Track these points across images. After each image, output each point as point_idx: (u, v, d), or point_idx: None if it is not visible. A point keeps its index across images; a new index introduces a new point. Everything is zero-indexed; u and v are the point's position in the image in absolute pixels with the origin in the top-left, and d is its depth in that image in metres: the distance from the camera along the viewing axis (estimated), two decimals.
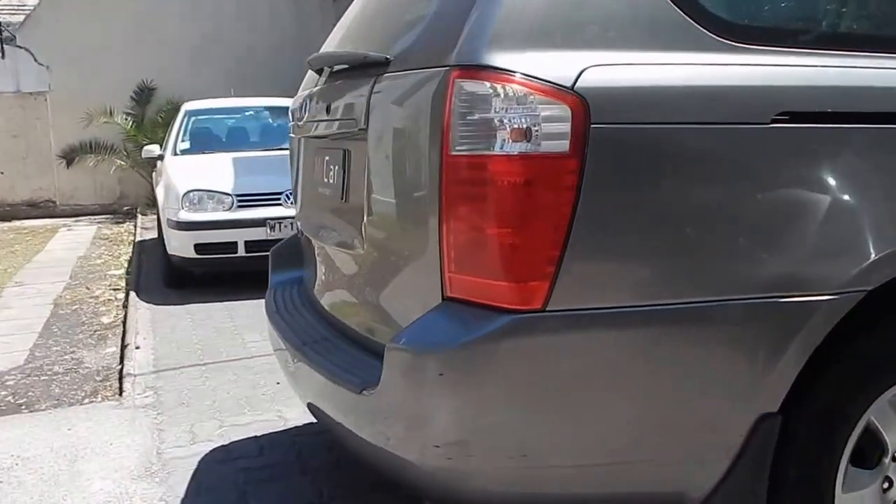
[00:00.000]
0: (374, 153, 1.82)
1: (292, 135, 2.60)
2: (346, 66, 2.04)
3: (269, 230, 5.78)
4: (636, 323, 1.50)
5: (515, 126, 1.46)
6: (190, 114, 7.55)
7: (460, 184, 1.52)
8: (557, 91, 1.46)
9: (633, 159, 1.48)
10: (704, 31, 1.54)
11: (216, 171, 6.31)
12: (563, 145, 1.45)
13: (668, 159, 1.50)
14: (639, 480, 1.59)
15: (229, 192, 5.95)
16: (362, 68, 1.90)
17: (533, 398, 1.51)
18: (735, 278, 1.52)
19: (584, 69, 1.48)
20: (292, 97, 2.50)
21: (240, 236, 5.81)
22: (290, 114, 2.63)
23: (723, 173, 1.52)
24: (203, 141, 7.24)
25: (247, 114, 7.63)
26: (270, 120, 7.44)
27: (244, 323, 5.02)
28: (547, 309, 1.46)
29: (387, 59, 1.77)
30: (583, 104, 1.45)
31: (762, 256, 1.52)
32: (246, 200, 5.93)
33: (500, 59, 1.49)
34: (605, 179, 1.46)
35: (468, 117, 1.50)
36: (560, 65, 1.48)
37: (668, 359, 1.52)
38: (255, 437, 3.15)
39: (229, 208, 5.92)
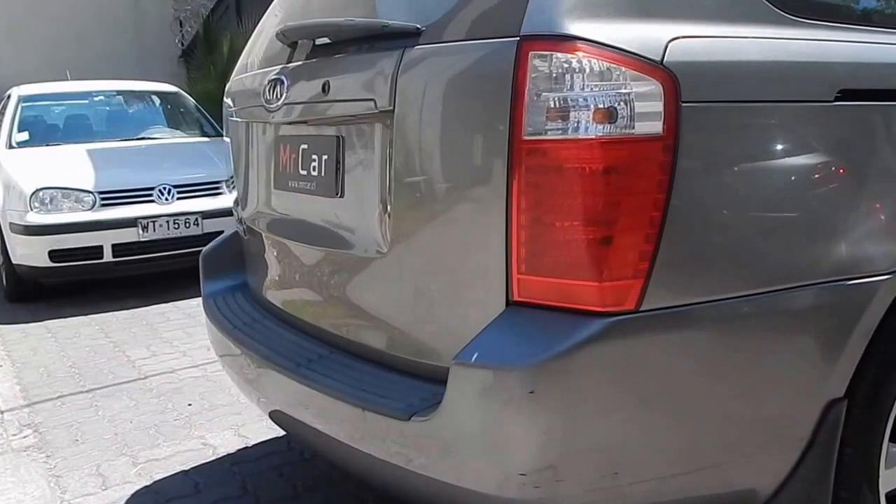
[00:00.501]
0: (406, 138, 1.50)
1: (238, 119, 2.19)
2: (341, 39, 1.68)
3: (141, 231, 5.14)
4: (728, 316, 1.38)
5: (603, 105, 1.28)
6: (24, 100, 6.51)
7: (536, 172, 1.32)
8: (649, 66, 1.30)
9: (719, 141, 1.36)
10: (771, 5, 1.46)
11: (70, 165, 5.53)
12: (657, 126, 1.29)
13: (748, 140, 1.39)
14: (714, 483, 1.48)
15: (90, 189, 5.22)
16: (374, 40, 1.57)
17: (629, 409, 1.35)
18: (811, 262, 1.45)
19: (670, 41, 1.32)
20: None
21: (105, 239, 5.12)
22: (232, 97, 2.22)
23: (796, 152, 1.45)
24: (46, 131, 6.33)
25: (96, 99, 6.77)
26: (127, 106, 6.66)
27: (123, 338, 4.42)
28: (641, 309, 1.30)
29: (417, 28, 1.46)
30: (673, 80, 1.29)
31: (831, 238, 1.46)
32: (111, 198, 5.23)
33: (581, 28, 1.28)
34: (695, 163, 1.32)
35: (546, 96, 1.30)
36: (644, 37, 1.32)
37: (754, 351, 1.43)
38: (184, 471, 2.69)
39: (91, 208, 5.19)
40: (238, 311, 2.17)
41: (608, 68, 1.28)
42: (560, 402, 1.29)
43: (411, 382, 1.53)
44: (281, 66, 1.86)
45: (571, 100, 1.28)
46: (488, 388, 1.32)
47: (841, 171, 1.48)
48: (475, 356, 1.33)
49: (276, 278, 2.08)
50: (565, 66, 1.28)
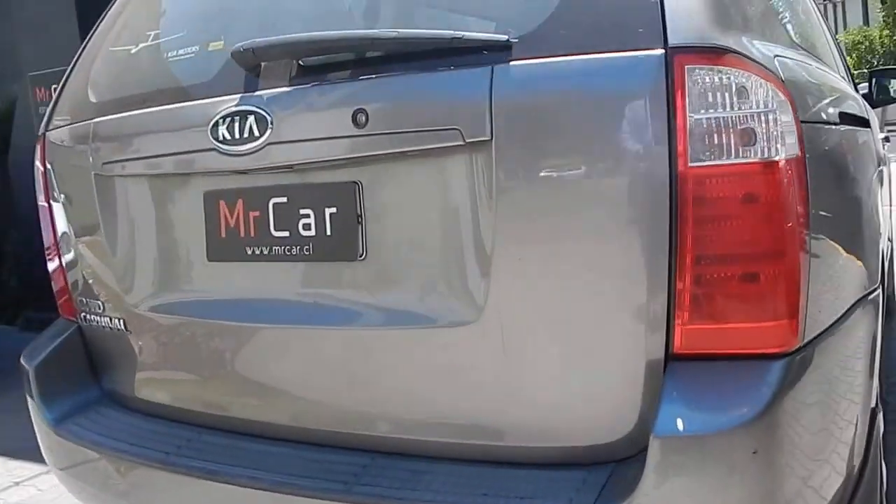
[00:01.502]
0: (514, 173, 1.22)
1: (110, 175, 1.64)
2: (374, 57, 1.32)
3: None
4: (850, 326, 1.38)
5: (769, 124, 1.15)
6: None
7: (708, 205, 1.13)
8: (781, 83, 1.20)
9: (821, 160, 1.33)
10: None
11: None
12: (796, 148, 1.18)
13: (831, 158, 1.44)
14: None
15: None
16: (432, 56, 1.26)
17: (813, 448, 1.22)
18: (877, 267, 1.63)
19: (774, 58, 1.27)
20: None
21: None
22: (93, 147, 1.65)
23: (853, 172, 1.58)
24: None
25: None
26: None
27: None
28: (806, 342, 1.19)
29: (508, 41, 1.20)
30: (792, 99, 1.21)
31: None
32: None
33: (731, 41, 1.17)
34: (814, 185, 1.22)
35: (710, 116, 1.13)
36: (764, 52, 1.25)
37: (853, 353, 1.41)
38: None
39: None
40: (148, 433, 1.62)
41: (765, 85, 1.16)
42: (777, 454, 1.13)
43: (537, 473, 1.24)
44: (243, 96, 1.40)
45: (740, 120, 1.14)
46: (705, 458, 1.12)
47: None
48: (681, 424, 1.11)
49: (218, 376, 1.58)
50: (732, 82, 1.14)
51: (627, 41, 1.17)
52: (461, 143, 1.24)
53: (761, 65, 1.18)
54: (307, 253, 1.41)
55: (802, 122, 1.21)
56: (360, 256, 1.36)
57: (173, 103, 1.53)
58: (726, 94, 1.14)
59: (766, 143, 1.14)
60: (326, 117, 1.34)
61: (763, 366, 1.15)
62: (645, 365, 1.19)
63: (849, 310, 1.38)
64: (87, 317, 1.79)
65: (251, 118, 1.37)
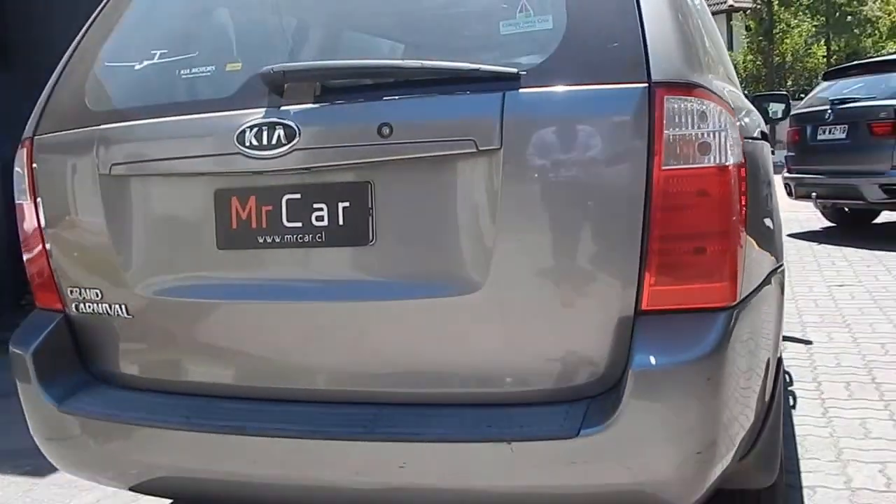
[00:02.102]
0: (519, 174, 1.56)
1: (124, 175, 1.82)
2: (396, 82, 1.63)
3: None
4: (767, 291, 1.78)
5: (721, 139, 1.55)
6: None
7: (675, 197, 1.53)
8: (731, 108, 1.62)
9: (751, 166, 1.71)
10: None
11: None
12: (739, 157, 1.59)
13: (757, 163, 1.85)
14: None
15: None
16: (448, 83, 1.59)
17: (744, 379, 1.61)
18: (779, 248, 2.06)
19: (724, 89, 1.74)
20: None
21: None
22: (104, 151, 1.82)
23: (765, 172, 2.03)
24: None
25: None
26: None
27: None
28: (741, 299, 1.58)
29: (517, 73, 1.56)
30: (737, 121, 1.64)
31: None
32: None
33: (696, 77, 1.56)
34: (747, 184, 1.63)
35: (680, 132, 1.52)
36: (717, 85, 1.68)
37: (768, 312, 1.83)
38: None
39: None
40: (157, 405, 1.82)
41: (720, 110, 1.55)
42: (722, 382, 1.51)
43: (528, 410, 1.58)
44: (268, 109, 1.65)
45: (705, 132, 1.52)
46: (675, 386, 1.49)
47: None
48: (653, 361, 1.48)
49: (229, 349, 1.81)
50: (693, 108, 1.52)
51: (621, 75, 1.54)
52: (474, 150, 1.56)
53: (716, 95, 1.57)
54: (319, 240, 1.68)
55: (745, 138, 1.64)
56: (371, 242, 1.66)
57: (191, 114, 1.75)
58: (692, 118, 1.52)
59: (718, 153, 1.53)
60: (352, 129, 1.62)
61: (712, 316, 1.52)
62: (617, 320, 1.53)
63: (766, 278, 1.76)
64: (79, 305, 1.94)
65: (279, 129, 1.63)
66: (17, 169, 2.02)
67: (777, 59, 24.04)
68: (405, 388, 1.67)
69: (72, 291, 1.95)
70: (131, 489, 2.01)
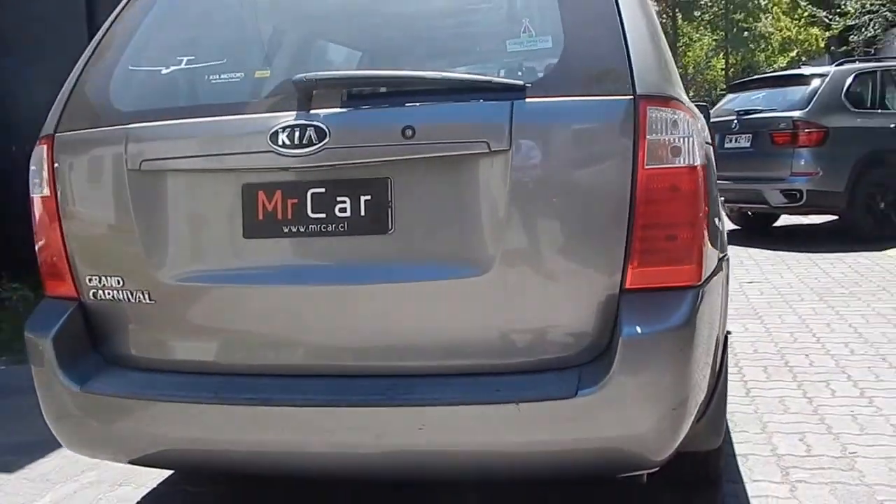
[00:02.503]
0: (525, 171, 1.81)
1: (155, 170, 1.97)
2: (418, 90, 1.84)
3: None
4: (719, 275, 2.05)
5: (689, 144, 1.84)
6: None
7: (657, 192, 1.80)
8: (696, 118, 1.92)
9: (709, 165, 1.98)
10: None
11: None
12: (704, 158, 1.89)
13: (710, 164, 2.05)
14: None
15: None
16: (464, 92, 1.83)
17: (705, 348, 1.89)
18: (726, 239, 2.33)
19: (689, 101, 2.06)
20: None
21: None
22: (138, 148, 1.97)
23: (715, 171, 2.25)
24: None
25: None
26: None
27: None
28: (704, 280, 1.87)
29: (524, 84, 1.80)
30: (700, 127, 1.95)
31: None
32: None
33: (670, 90, 1.84)
34: (707, 181, 1.90)
35: (660, 137, 1.80)
36: (684, 97, 1.97)
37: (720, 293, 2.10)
38: None
39: None
40: (179, 383, 1.97)
41: (688, 119, 1.84)
42: (694, 348, 1.80)
43: (529, 377, 1.82)
44: (299, 113, 1.83)
45: (678, 138, 1.81)
46: (656, 351, 1.77)
47: None
48: (640, 331, 1.75)
49: (253, 329, 1.97)
50: (673, 117, 1.81)
51: (611, 89, 1.81)
52: (487, 150, 1.80)
53: (685, 105, 1.87)
54: (342, 229, 1.88)
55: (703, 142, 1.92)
56: (390, 231, 1.87)
57: (221, 116, 1.92)
58: (667, 125, 1.80)
59: (687, 155, 1.81)
60: (378, 130, 1.83)
61: (684, 293, 1.81)
62: (606, 297, 1.79)
63: (718, 262, 2.03)
64: (97, 293, 2.06)
65: (311, 129, 1.82)
66: (33, 165, 2.12)
67: (680, 70, 25.28)
68: (420, 360, 1.88)
69: (90, 280, 2.06)
70: (135, 462, 2.15)
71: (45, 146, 2.09)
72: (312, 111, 1.84)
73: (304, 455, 1.92)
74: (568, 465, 1.85)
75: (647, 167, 1.78)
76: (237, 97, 1.98)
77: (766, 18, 24.02)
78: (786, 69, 23.13)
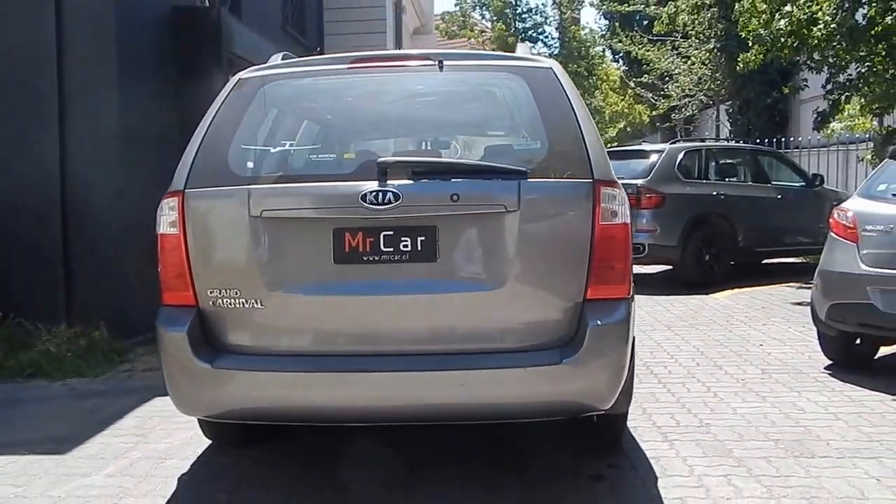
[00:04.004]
0: (529, 222, 2.87)
1: (280, 216, 2.89)
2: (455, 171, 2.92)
3: None
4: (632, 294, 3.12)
5: (622, 208, 2.95)
6: None
7: (604, 239, 2.91)
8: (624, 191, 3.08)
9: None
10: None
11: None
12: (629, 217, 3.02)
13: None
14: None
15: None
16: (487, 174, 2.92)
17: (630, 339, 2.99)
18: None
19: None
20: None
21: None
22: (268, 205, 2.89)
23: None
24: None
25: None
26: None
27: None
28: (631, 294, 3.05)
29: (525, 171, 2.90)
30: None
31: None
32: None
33: (610, 176, 2.99)
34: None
35: (607, 206, 2.91)
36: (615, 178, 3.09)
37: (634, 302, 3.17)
38: None
39: None
40: (288, 361, 2.87)
41: (620, 192, 2.94)
42: (628, 334, 2.90)
43: (531, 353, 2.86)
44: (380, 182, 2.78)
45: (617, 206, 2.90)
46: (611, 335, 2.84)
47: None
48: (599, 323, 2.82)
49: (339, 325, 2.89)
50: (614, 193, 2.90)
51: (577, 175, 2.89)
52: (504, 211, 2.83)
53: (619, 185, 2.97)
54: (406, 259, 2.86)
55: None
56: (437, 260, 2.87)
57: (320, 182, 2.90)
58: (611, 197, 2.88)
59: (622, 216, 2.90)
60: (434, 195, 2.83)
61: (621, 301, 2.90)
62: (574, 304, 2.85)
63: (631, 284, 3.10)
64: (216, 301, 2.90)
65: (389, 194, 2.81)
66: (165, 212, 2.95)
67: None
68: (458, 344, 2.87)
69: (210, 292, 2.91)
70: (235, 418, 3.03)
71: (176, 198, 2.94)
72: (389, 182, 2.83)
73: (376, 407, 2.85)
74: (551, 409, 2.90)
75: (600, 223, 2.90)
76: (332, 170, 2.96)
77: (599, 95, 26.82)
78: (615, 140, 26.07)
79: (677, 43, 17.05)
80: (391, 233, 2.86)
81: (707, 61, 16.04)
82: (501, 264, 2.87)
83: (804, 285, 8.90)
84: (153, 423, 4.18)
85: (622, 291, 2.93)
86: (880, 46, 9.06)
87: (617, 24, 19.17)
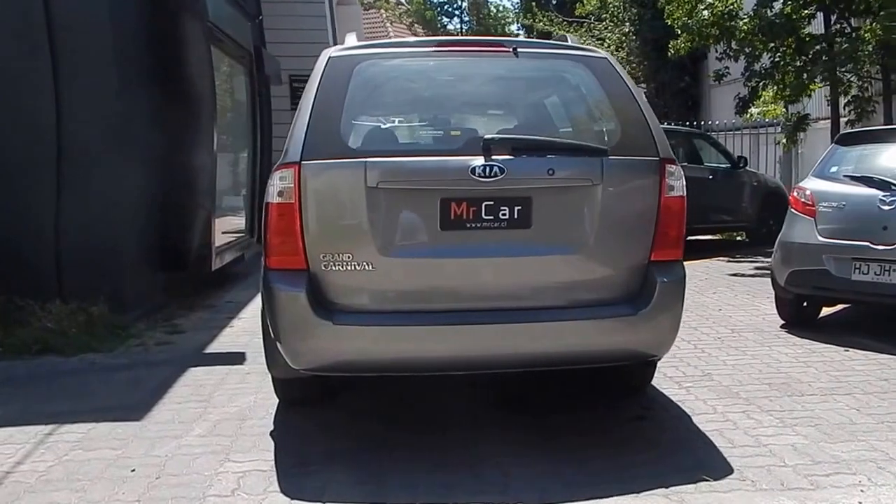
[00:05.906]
0: (610, 194, 3.31)
1: (394, 188, 3.20)
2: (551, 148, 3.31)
3: None
4: None
5: (680, 182, 3.43)
6: None
7: (667, 209, 3.40)
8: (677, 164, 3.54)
9: None
10: None
11: None
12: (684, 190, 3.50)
13: None
14: None
15: None
16: (577, 152, 3.33)
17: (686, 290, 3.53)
18: None
19: None
20: None
21: None
22: (389, 178, 3.19)
23: None
24: None
25: None
26: None
27: None
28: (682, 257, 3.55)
29: (606, 150, 3.34)
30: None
31: None
32: None
33: (671, 154, 3.46)
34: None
35: (668, 180, 3.39)
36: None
37: None
38: None
39: None
40: (399, 317, 3.19)
41: (679, 169, 3.41)
42: (684, 290, 3.42)
43: (605, 306, 3.31)
44: (485, 157, 3.13)
45: (675, 181, 3.37)
46: (673, 290, 3.34)
47: None
48: (665, 280, 3.30)
49: (445, 284, 3.24)
50: (674, 170, 3.37)
51: (646, 153, 3.37)
52: (591, 184, 3.26)
53: (678, 162, 3.47)
54: (504, 226, 3.22)
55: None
56: (529, 227, 3.25)
57: (430, 156, 3.24)
58: (674, 174, 3.37)
59: (680, 189, 3.39)
60: (533, 170, 3.22)
61: (678, 263, 3.42)
62: (642, 265, 3.33)
63: None
64: (327, 265, 3.16)
65: (496, 167, 3.16)
66: (279, 181, 3.19)
67: None
68: (548, 300, 3.28)
69: (323, 256, 3.18)
70: (345, 370, 3.36)
71: (291, 169, 3.18)
72: (493, 157, 3.19)
73: (480, 356, 3.23)
74: (623, 355, 3.38)
75: (665, 195, 3.37)
76: (440, 146, 3.28)
77: None
78: None
79: (592, 25, 17.77)
80: (492, 202, 3.21)
81: (623, 45, 16.80)
82: (585, 230, 3.30)
83: (732, 259, 9.82)
84: (207, 391, 4.36)
85: (678, 254, 3.44)
86: (790, 39, 10.02)
87: (533, 3, 19.58)
